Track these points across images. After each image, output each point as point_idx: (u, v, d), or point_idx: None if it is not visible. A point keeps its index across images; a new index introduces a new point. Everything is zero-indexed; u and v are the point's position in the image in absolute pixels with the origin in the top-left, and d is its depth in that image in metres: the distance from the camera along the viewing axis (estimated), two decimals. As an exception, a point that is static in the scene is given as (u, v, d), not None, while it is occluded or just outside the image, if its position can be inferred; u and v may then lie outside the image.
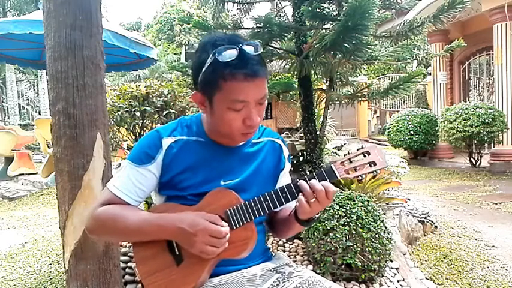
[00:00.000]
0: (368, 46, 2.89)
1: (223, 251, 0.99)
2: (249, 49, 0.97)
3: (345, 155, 1.04)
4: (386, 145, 10.63)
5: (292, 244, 2.87)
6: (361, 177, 1.02)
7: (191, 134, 1.12)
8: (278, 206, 1.02)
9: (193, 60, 1.05)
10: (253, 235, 1.03)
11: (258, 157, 1.16)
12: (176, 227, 0.99)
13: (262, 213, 1.02)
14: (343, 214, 2.42)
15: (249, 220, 1.02)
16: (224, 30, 3.49)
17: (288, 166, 1.23)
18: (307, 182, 1.00)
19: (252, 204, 1.02)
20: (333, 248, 2.35)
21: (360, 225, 2.38)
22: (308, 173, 3.20)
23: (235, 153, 1.13)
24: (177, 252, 1.05)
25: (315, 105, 3.70)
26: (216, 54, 0.96)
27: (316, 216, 1.07)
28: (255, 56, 0.98)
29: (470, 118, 7.05)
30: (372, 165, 1.01)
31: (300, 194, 1.00)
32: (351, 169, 1.01)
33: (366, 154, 1.02)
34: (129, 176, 1.08)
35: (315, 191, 0.98)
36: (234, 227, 1.02)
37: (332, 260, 2.36)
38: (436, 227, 3.88)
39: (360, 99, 3.74)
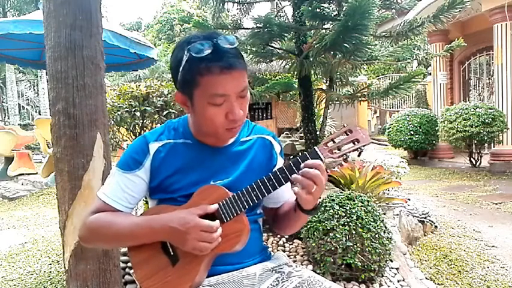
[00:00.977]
0: (368, 46, 2.90)
1: (217, 245, 0.99)
2: (223, 43, 0.97)
3: (327, 136, 1.03)
4: (386, 145, 10.63)
5: (292, 244, 2.87)
6: (346, 156, 1.01)
7: (178, 137, 1.12)
8: (266, 194, 1.01)
9: (171, 61, 1.05)
10: (245, 227, 1.02)
11: (248, 155, 1.15)
12: (167, 226, 0.99)
13: (251, 203, 1.01)
14: (343, 214, 2.42)
15: (239, 212, 1.01)
16: (224, 30, 3.49)
17: (280, 161, 1.22)
18: (299, 173, 0.98)
19: (241, 195, 1.02)
20: (333, 248, 2.35)
21: (360, 225, 2.38)
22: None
23: (224, 153, 1.12)
24: (172, 253, 1.05)
25: (315, 105, 3.71)
26: (191, 51, 0.96)
27: (319, 201, 1.05)
28: (231, 49, 0.98)
29: (470, 118, 7.05)
30: (356, 142, 1.00)
31: (300, 189, 0.98)
32: (335, 149, 1.00)
33: (348, 132, 1.01)
34: (118, 183, 1.08)
35: (312, 177, 0.96)
36: (225, 220, 1.01)
37: (332, 260, 2.36)
38: (436, 227, 3.88)
39: (360, 99, 3.74)
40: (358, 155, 1.02)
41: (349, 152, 1.00)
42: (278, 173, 1.00)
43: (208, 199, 1.03)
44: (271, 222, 1.25)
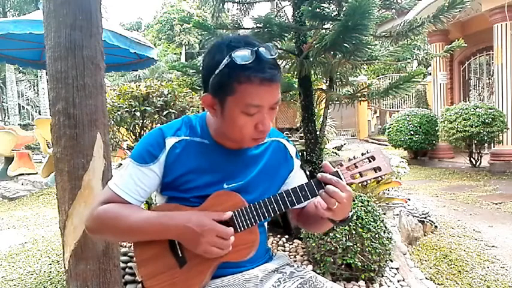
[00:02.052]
0: (368, 46, 2.89)
1: (227, 253, 0.98)
2: (265, 52, 0.95)
3: (349, 159, 1.03)
4: (386, 145, 10.63)
5: (292, 244, 2.87)
6: (366, 183, 1.02)
7: (195, 135, 1.10)
8: (284, 209, 1.01)
9: (206, 61, 1.02)
10: (257, 239, 1.02)
11: (262, 158, 1.14)
12: (182, 225, 0.98)
13: (267, 217, 1.01)
14: (343, 214, 2.42)
15: (254, 223, 1.01)
16: (224, 30, 3.49)
17: (297, 163, 1.21)
18: (324, 190, 0.97)
19: (257, 207, 1.01)
20: (333, 248, 2.35)
21: (360, 225, 2.38)
22: (308, 173, 3.19)
23: (239, 155, 1.11)
24: (180, 254, 1.04)
25: (315, 105, 3.70)
26: (233, 56, 0.93)
27: (350, 214, 1.05)
28: (271, 59, 0.96)
29: (470, 118, 7.05)
30: (377, 170, 1.00)
31: (324, 209, 0.98)
32: (356, 174, 1.01)
33: (371, 159, 1.01)
34: (131, 175, 1.06)
35: (333, 195, 0.95)
36: (239, 230, 1.01)
37: (332, 260, 2.36)
38: (436, 227, 3.88)
39: (360, 99, 3.74)
40: (378, 182, 1.04)
41: (370, 179, 1.01)
42: (298, 190, 1.00)
43: (223, 205, 1.03)
44: (296, 220, 1.25)
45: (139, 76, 17.90)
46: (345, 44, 2.79)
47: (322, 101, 4.08)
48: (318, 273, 1.84)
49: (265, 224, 1.21)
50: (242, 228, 1.01)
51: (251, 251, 1.02)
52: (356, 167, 1.01)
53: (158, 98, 3.89)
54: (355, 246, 2.32)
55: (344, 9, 2.77)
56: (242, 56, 0.93)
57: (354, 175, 1.00)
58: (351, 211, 1.04)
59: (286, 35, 3.40)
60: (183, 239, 1.01)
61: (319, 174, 0.99)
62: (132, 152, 1.10)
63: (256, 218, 1.01)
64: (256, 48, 0.94)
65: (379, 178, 1.01)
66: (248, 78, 0.94)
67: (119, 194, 1.05)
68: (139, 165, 1.06)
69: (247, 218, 1.01)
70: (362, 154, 1.04)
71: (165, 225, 1.00)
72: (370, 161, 1.01)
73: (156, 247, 1.05)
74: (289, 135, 6.53)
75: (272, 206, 1.01)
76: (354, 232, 2.35)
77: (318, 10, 2.97)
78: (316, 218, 1.12)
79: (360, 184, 1.03)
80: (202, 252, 0.97)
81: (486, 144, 7.96)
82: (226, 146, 1.09)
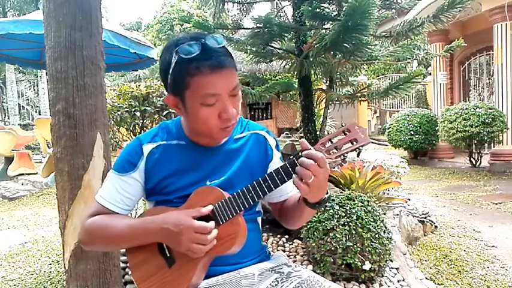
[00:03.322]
0: (368, 46, 2.90)
1: (212, 247, 0.98)
2: (212, 42, 0.97)
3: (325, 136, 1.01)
4: (386, 145, 10.63)
5: (292, 244, 2.87)
6: (344, 157, 0.99)
7: (171, 138, 1.12)
8: (262, 196, 1.00)
9: (160, 64, 1.05)
10: (241, 228, 1.01)
11: (242, 152, 1.14)
12: (160, 227, 0.99)
13: (247, 206, 1.00)
14: (343, 214, 2.42)
15: (234, 214, 1.00)
16: (224, 30, 3.50)
17: (277, 155, 1.21)
18: (297, 163, 0.95)
19: (236, 197, 1.01)
20: (333, 248, 2.35)
21: (360, 225, 2.38)
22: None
23: (218, 152, 1.12)
24: (168, 254, 1.05)
25: (315, 105, 3.71)
26: (179, 52, 0.96)
27: (327, 196, 1.03)
28: (219, 48, 0.98)
29: (470, 118, 7.05)
30: (354, 142, 0.97)
31: (296, 179, 0.95)
32: (332, 149, 0.97)
33: (346, 132, 0.98)
34: (114, 185, 1.09)
35: (308, 167, 0.93)
36: (221, 222, 1.01)
37: (332, 260, 2.36)
38: (436, 227, 3.88)
39: (360, 99, 3.74)
40: (357, 155, 1.00)
41: (347, 152, 0.98)
42: (274, 174, 0.99)
43: (204, 201, 1.03)
44: (278, 216, 1.25)
45: (139, 76, 17.90)
46: (345, 44, 2.80)
47: (322, 101, 4.09)
48: (318, 273, 1.84)
49: (258, 219, 1.20)
50: (224, 221, 1.01)
51: (235, 242, 1.00)
52: (331, 141, 0.98)
53: (158, 98, 3.90)
54: (355, 246, 2.32)
55: (344, 9, 2.78)
56: (187, 49, 0.95)
57: (330, 150, 0.97)
58: (327, 193, 1.03)
59: (286, 35, 3.41)
60: (165, 241, 1.03)
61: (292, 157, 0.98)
62: (114, 164, 1.13)
63: (237, 208, 1.00)
64: (201, 40, 0.96)
65: (357, 150, 0.98)
66: (198, 70, 0.95)
67: (104, 205, 1.09)
68: (120, 175, 1.09)
69: (227, 209, 1.01)
70: (338, 129, 1.01)
71: (146, 229, 1.03)
72: (345, 134, 0.98)
73: (146, 250, 1.07)
74: (289, 135, 6.53)
75: (250, 195, 1.00)
76: (354, 232, 2.35)
77: (318, 10, 2.98)
78: (295, 209, 1.11)
79: (337, 158, 0.99)
80: (185, 250, 0.97)
81: (486, 144, 7.96)
82: (203, 144, 1.11)
